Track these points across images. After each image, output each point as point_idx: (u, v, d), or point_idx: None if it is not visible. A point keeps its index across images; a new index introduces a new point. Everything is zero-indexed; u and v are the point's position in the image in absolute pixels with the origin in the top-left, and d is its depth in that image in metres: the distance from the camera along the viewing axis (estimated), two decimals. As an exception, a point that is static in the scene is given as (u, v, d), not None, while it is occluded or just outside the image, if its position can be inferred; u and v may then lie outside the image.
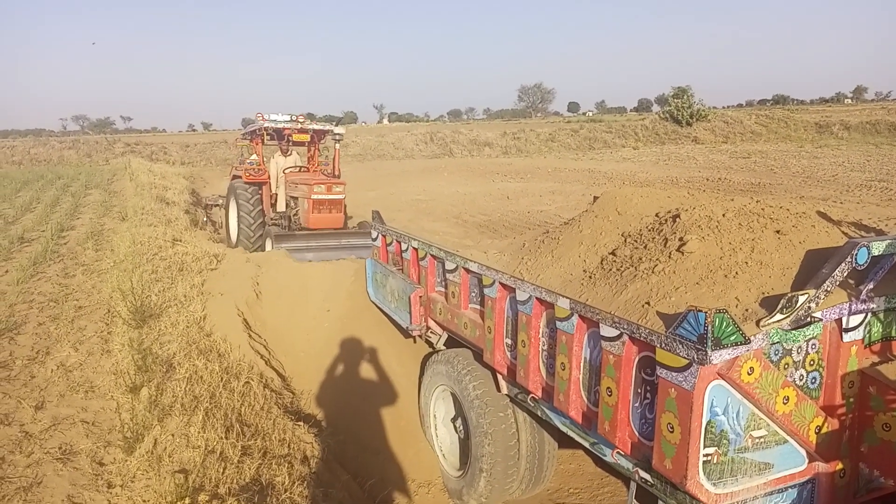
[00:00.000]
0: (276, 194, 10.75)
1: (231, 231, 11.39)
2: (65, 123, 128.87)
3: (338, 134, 10.17)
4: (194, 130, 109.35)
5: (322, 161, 11.66)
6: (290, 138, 10.77)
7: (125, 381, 4.81)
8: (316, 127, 10.81)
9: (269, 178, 10.83)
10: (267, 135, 10.80)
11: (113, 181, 21.66)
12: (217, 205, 13.52)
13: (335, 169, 10.32)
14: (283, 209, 10.55)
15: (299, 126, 10.56)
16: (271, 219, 10.56)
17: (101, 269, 8.42)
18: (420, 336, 4.93)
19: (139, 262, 8.15)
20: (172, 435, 4.05)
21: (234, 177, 11.30)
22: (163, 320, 6.14)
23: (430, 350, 4.98)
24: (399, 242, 5.16)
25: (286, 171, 10.70)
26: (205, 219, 14.22)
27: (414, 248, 4.84)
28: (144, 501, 3.50)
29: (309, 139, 10.89)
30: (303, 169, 11.10)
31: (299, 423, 4.57)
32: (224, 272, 7.41)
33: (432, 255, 4.54)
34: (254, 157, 11.00)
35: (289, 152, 11.06)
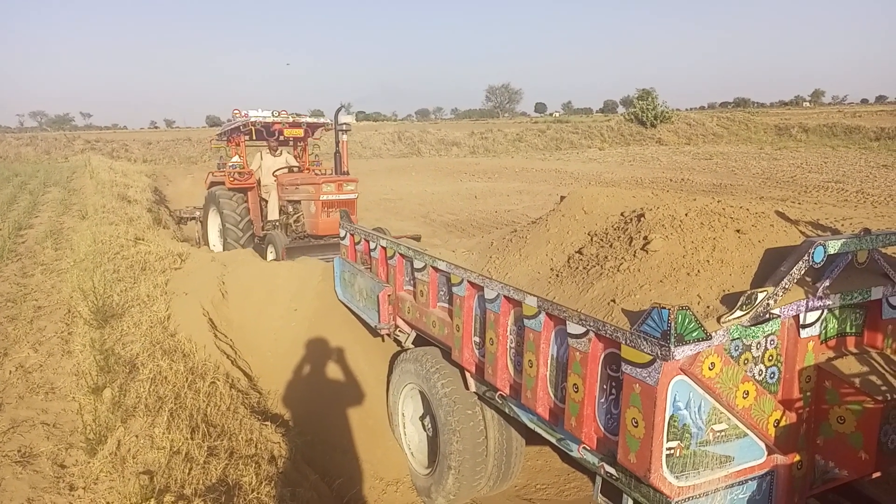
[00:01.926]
0: (266, 200, 9.64)
1: (212, 246, 10.31)
2: (22, 119, 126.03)
3: (344, 124, 8.96)
4: (157, 127, 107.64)
5: (313, 160, 10.43)
6: (280, 135, 9.63)
7: (87, 382, 4.71)
8: (310, 120, 9.85)
9: (255, 182, 9.71)
10: (251, 132, 9.49)
11: (72, 179, 21.11)
12: (193, 217, 11.68)
13: (343, 164, 9.11)
14: (276, 217, 9.40)
15: (291, 120, 9.48)
16: (261, 228, 9.57)
17: (60, 268, 8.21)
18: (388, 335, 4.92)
19: (100, 261, 7.97)
20: (136, 436, 3.99)
21: (213, 183, 10.03)
22: (125, 320, 6.02)
23: (399, 349, 4.99)
24: (367, 241, 5.15)
25: (277, 174, 9.56)
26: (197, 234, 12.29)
27: (382, 246, 4.83)
28: (108, 503, 3.44)
29: (302, 134, 9.87)
30: (294, 169, 9.87)
31: (266, 422, 4.53)
32: (189, 271, 7.32)
33: (401, 254, 4.54)
34: (236, 158, 9.76)
35: (278, 151, 9.92)
